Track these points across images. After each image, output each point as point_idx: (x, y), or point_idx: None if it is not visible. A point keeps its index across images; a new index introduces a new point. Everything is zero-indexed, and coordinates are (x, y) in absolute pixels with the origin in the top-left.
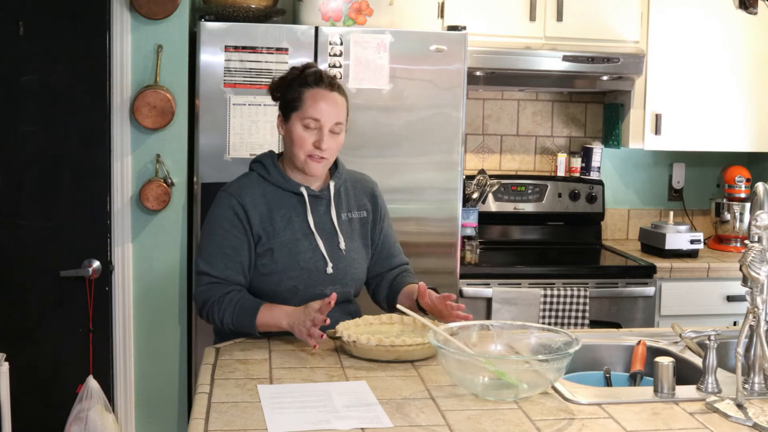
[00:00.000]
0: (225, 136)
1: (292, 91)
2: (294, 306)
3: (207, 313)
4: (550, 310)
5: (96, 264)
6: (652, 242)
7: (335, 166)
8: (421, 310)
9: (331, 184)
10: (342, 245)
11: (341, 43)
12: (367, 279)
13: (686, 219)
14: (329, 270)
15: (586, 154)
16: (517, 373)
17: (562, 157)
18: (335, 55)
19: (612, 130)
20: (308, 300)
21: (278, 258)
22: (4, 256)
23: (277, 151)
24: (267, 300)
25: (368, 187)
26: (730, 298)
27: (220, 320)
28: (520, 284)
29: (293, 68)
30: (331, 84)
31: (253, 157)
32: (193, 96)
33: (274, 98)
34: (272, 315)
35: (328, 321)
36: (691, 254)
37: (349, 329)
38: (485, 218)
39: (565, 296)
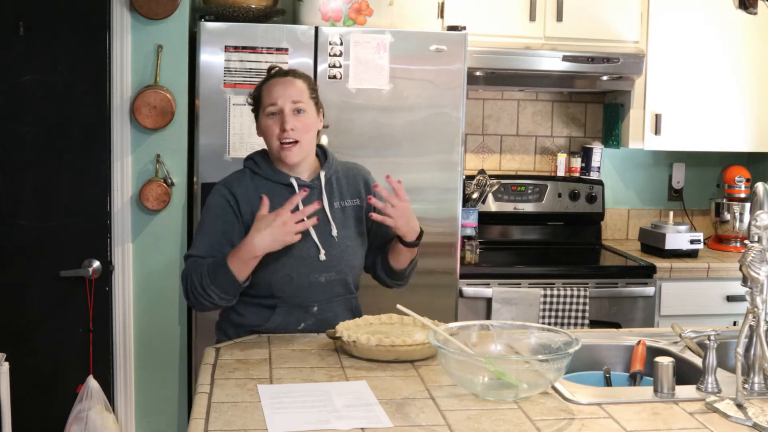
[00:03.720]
0: (225, 136)
1: (256, 92)
2: (287, 296)
3: (189, 289)
4: (550, 310)
5: (96, 264)
6: (652, 242)
7: (325, 157)
8: (402, 243)
9: (322, 174)
10: (334, 232)
11: (341, 43)
12: (367, 265)
13: (686, 219)
14: (322, 257)
15: (586, 154)
16: (517, 373)
17: (562, 157)
18: (335, 55)
19: (612, 130)
20: (304, 288)
21: None
22: (4, 256)
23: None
24: (262, 291)
25: (361, 175)
26: (730, 298)
27: (201, 288)
28: (520, 284)
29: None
30: (285, 72)
31: None
32: (193, 96)
33: (253, 109)
34: (240, 251)
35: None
36: (691, 254)
37: (349, 329)
38: (485, 218)
39: (565, 296)
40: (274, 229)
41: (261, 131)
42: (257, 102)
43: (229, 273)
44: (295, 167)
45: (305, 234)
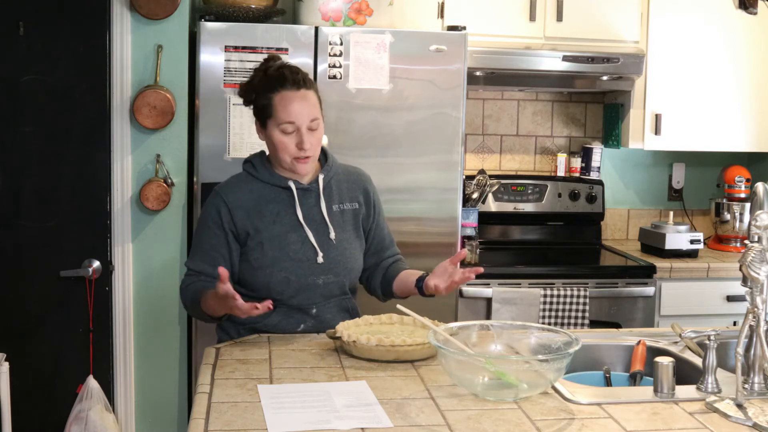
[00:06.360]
0: (225, 136)
1: (260, 97)
2: (286, 297)
3: (181, 300)
4: (550, 310)
5: (96, 264)
6: (652, 242)
7: (325, 159)
8: (420, 293)
9: (320, 177)
10: (332, 235)
11: (341, 43)
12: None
13: (686, 219)
14: (320, 260)
15: (586, 154)
16: (517, 373)
17: (562, 157)
18: (335, 55)
19: (612, 130)
20: (301, 290)
21: (268, 251)
22: (5, 257)
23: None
24: (261, 293)
25: (361, 180)
26: (730, 298)
27: (185, 306)
28: (520, 284)
29: (257, 69)
30: (296, 82)
31: None
32: (193, 96)
33: (246, 103)
34: (209, 306)
35: (238, 297)
36: (691, 254)
37: (349, 329)
38: (485, 218)
39: (565, 296)
40: (238, 313)
41: (270, 141)
42: (266, 110)
43: (205, 314)
44: None
45: (304, 237)
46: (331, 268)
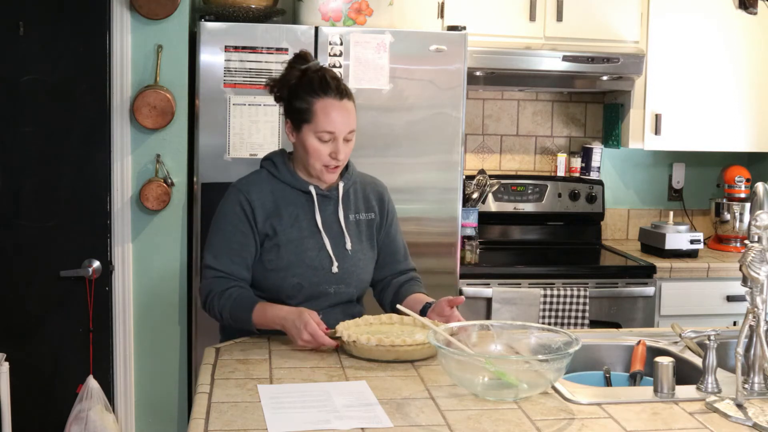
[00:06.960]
0: (225, 136)
1: (298, 99)
2: (296, 303)
3: (209, 306)
4: (550, 310)
5: (96, 264)
6: (652, 242)
7: (346, 167)
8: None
9: (340, 185)
10: (348, 245)
11: (341, 43)
12: (373, 281)
13: (686, 219)
14: (334, 269)
15: (586, 154)
16: (517, 373)
17: (562, 157)
18: (335, 55)
19: (612, 130)
20: (312, 297)
21: (284, 255)
22: (5, 257)
23: (287, 150)
24: (271, 295)
25: (378, 190)
26: (730, 298)
27: (219, 314)
28: (520, 284)
29: (292, 68)
30: (339, 89)
31: (254, 156)
32: (193, 96)
33: (276, 99)
34: (266, 316)
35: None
36: (691, 254)
37: (349, 329)
38: (485, 218)
39: (565, 296)
40: (295, 333)
41: (302, 145)
42: (304, 114)
43: (250, 323)
44: None
45: (321, 244)
46: (344, 278)
